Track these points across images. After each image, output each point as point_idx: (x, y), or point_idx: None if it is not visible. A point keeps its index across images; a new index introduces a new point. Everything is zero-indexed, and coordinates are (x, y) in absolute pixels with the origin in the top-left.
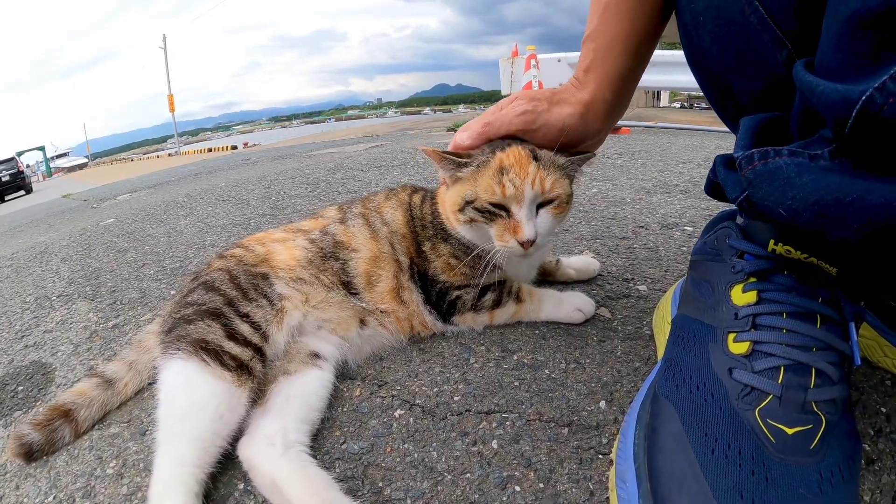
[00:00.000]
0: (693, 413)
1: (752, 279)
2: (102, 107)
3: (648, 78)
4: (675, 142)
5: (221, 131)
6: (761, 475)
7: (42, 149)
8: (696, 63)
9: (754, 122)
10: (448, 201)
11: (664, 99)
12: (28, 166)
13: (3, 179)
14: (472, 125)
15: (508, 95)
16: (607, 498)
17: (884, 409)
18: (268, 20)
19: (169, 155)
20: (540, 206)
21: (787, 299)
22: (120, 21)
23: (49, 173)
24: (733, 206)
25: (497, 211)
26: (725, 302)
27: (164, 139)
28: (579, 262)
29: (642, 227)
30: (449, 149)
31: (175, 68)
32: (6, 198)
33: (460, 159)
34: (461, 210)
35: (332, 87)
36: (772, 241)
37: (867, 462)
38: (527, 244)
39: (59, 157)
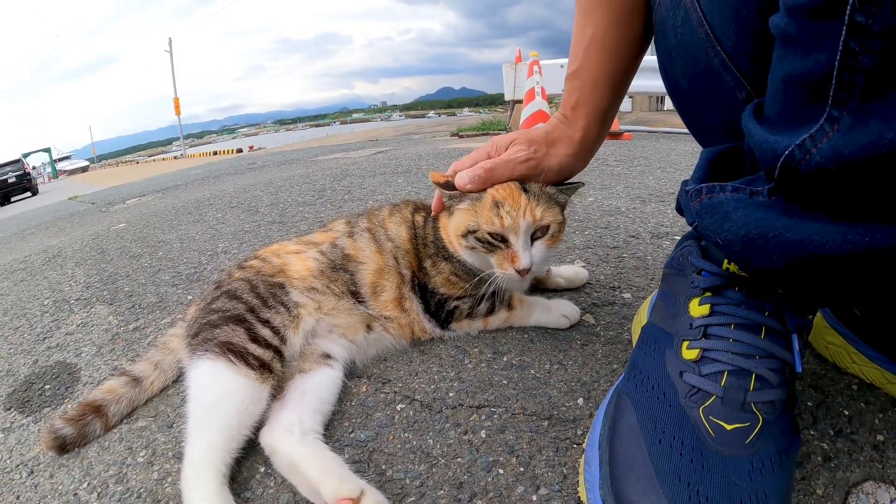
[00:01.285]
0: (647, 408)
1: (708, 293)
2: (108, 109)
3: (651, 83)
4: (676, 148)
5: (226, 134)
6: (699, 463)
7: (48, 150)
8: (672, 91)
9: (710, 154)
10: (451, 228)
11: (668, 103)
12: (34, 168)
13: (10, 181)
14: (473, 167)
15: (510, 102)
16: (577, 482)
17: (846, 412)
18: (270, 23)
19: (175, 158)
20: (536, 236)
21: (735, 312)
22: (123, 24)
23: (55, 175)
24: None
25: (496, 242)
26: (684, 313)
27: (169, 141)
28: (568, 272)
29: (633, 237)
30: (448, 174)
31: (179, 71)
32: (12, 199)
33: (455, 192)
34: (464, 236)
35: (337, 90)
36: (725, 261)
37: (824, 459)
38: (523, 272)
39: (60, 160)
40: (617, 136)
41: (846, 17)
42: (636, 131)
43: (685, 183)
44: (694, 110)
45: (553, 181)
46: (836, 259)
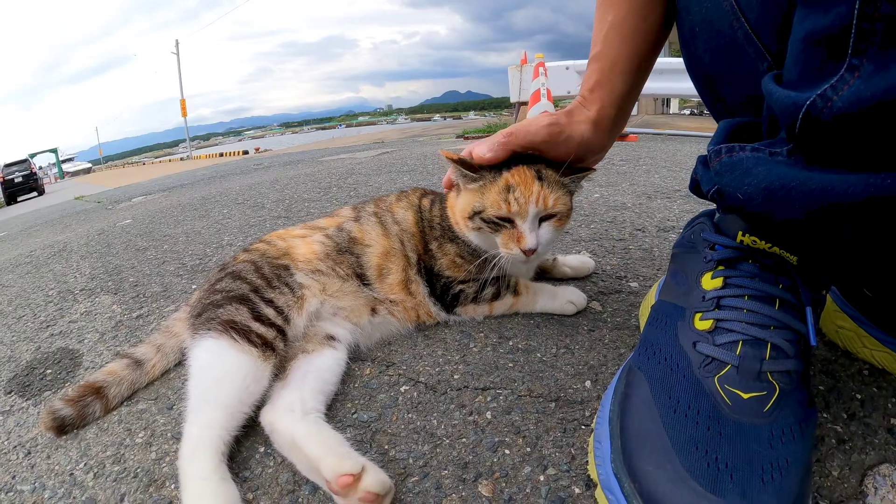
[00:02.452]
0: (660, 380)
1: (721, 267)
2: (114, 111)
3: (657, 85)
4: (682, 149)
5: (233, 136)
6: (716, 430)
7: (55, 151)
8: (693, 69)
9: (729, 124)
10: (458, 208)
11: (674, 106)
12: (40, 168)
13: (16, 181)
14: (491, 138)
15: (516, 104)
16: (587, 461)
17: (859, 396)
18: (276, 27)
19: (181, 159)
20: (543, 218)
21: (750, 284)
22: (129, 28)
23: (62, 175)
24: (713, 207)
25: (502, 223)
26: (696, 287)
27: (175, 143)
28: (575, 261)
29: (639, 230)
30: (463, 155)
31: (186, 74)
32: (18, 199)
33: (471, 173)
34: (470, 218)
35: (343, 93)
36: (740, 233)
37: (838, 442)
38: (529, 253)
39: (64, 161)
40: (622, 137)
41: None
42: (642, 133)
43: (700, 157)
44: (714, 86)
45: (571, 153)
46: (857, 206)
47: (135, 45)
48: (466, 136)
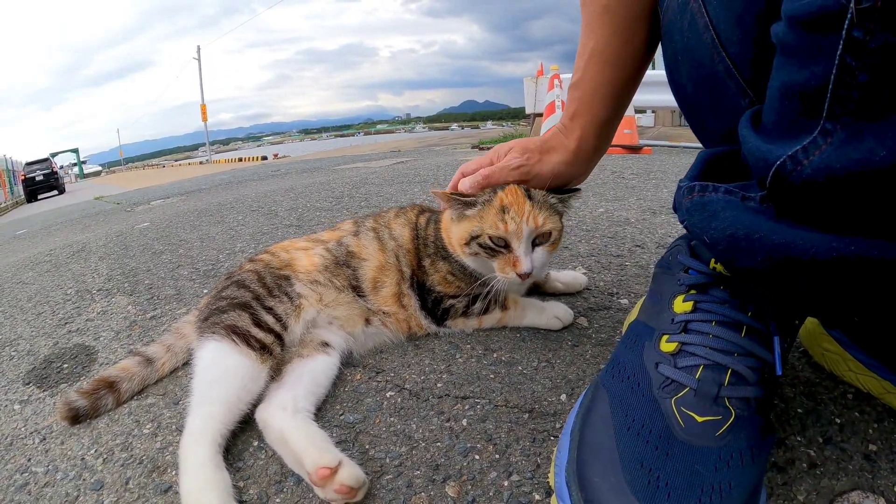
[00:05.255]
0: (620, 398)
1: (693, 291)
2: (135, 114)
3: (669, 98)
4: None
5: (252, 141)
6: (663, 451)
7: (76, 151)
8: (677, 95)
9: (708, 154)
10: (455, 236)
11: None
12: (61, 167)
13: (37, 179)
14: (475, 174)
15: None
16: (549, 470)
17: (838, 420)
18: (295, 35)
19: (200, 163)
20: (536, 242)
21: (718, 310)
22: (151, 34)
23: (82, 175)
24: None
25: (498, 247)
26: (668, 309)
27: (195, 147)
28: (567, 277)
29: (638, 246)
30: (449, 188)
31: (206, 80)
32: (39, 196)
33: (466, 199)
34: (467, 244)
35: (361, 101)
36: (712, 260)
37: (809, 466)
38: (524, 276)
39: (75, 165)
40: (636, 150)
41: (843, 32)
42: (656, 146)
43: (681, 181)
44: (698, 114)
45: (544, 187)
46: (819, 264)
47: (155, 51)
48: (482, 146)
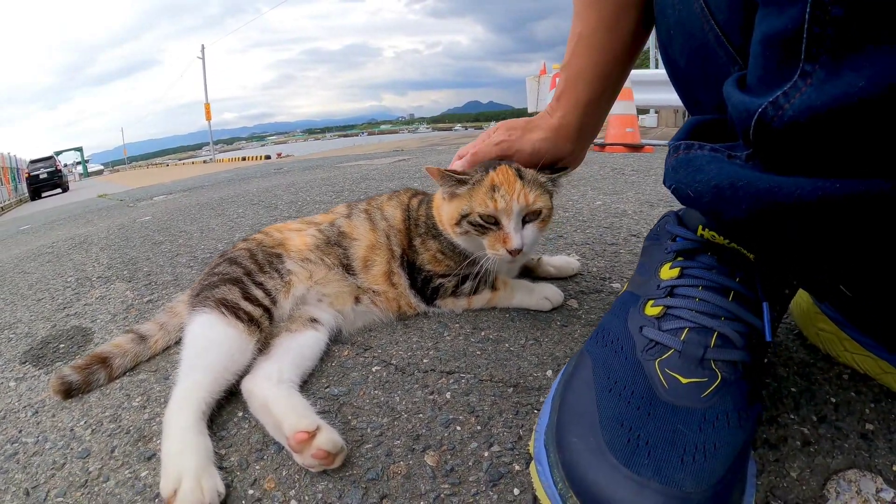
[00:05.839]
0: (603, 361)
1: (680, 258)
2: (139, 113)
3: (672, 97)
4: None
5: (255, 141)
6: (645, 411)
7: (80, 150)
8: (671, 73)
9: (694, 121)
10: (446, 215)
11: None
12: (65, 165)
13: (41, 176)
14: (466, 151)
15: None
16: (531, 442)
17: (833, 399)
18: (299, 35)
19: (204, 162)
20: (526, 220)
21: (705, 275)
22: (155, 34)
23: (86, 174)
24: None
25: (488, 225)
26: (654, 277)
27: (199, 146)
28: (559, 261)
29: (634, 236)
30: (449, 168)
31: (210, 79)
32: (43, 194)
33: (459, 176)
34: (458, 223)
35: (365, 101)
36: (700, 227)
37: (803, 443)
38: (514, 252)
39: (78, 164)
40: (637, 148)
41: None
42: (658, 145)
43: (668, 142)
44: (691, 90)
45: (526, 163)
46: (804, 206)
47: (160, 50)
48: None
